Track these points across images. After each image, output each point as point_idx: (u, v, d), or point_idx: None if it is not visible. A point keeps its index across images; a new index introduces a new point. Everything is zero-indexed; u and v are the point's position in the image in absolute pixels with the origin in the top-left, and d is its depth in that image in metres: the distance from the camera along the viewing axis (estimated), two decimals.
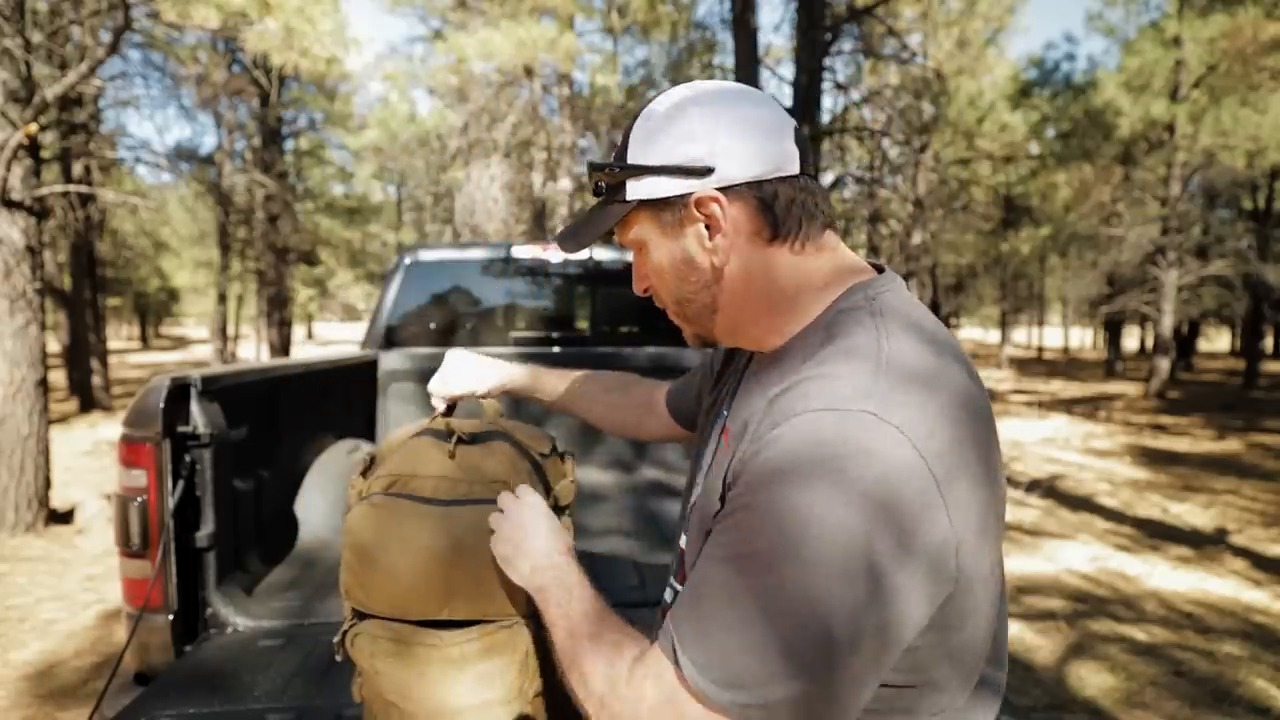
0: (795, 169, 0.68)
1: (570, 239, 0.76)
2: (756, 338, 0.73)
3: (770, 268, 0.69)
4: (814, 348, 0.64)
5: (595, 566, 1.18)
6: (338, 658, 1.03)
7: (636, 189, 0.69)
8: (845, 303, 0.67)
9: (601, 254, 3.32)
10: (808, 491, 0.53)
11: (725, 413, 0.80)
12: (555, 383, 1.21)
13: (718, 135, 0.66)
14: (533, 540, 0.84)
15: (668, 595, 0.82)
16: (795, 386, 0.60)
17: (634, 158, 0.69)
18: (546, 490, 1.09)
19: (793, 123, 0.70)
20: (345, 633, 1.00)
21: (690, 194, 0.67)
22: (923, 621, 0.57)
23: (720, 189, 0.66)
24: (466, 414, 1.18)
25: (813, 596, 0.53)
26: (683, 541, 0.79)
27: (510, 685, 0.97)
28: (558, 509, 1.11)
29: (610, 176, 0.71)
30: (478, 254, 3.39)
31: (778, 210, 0.67)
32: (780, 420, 0.58)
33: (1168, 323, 14.61)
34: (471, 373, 1.16)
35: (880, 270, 0.73)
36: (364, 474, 1.09)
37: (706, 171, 0.66)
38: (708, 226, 0.68)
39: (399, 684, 0.96)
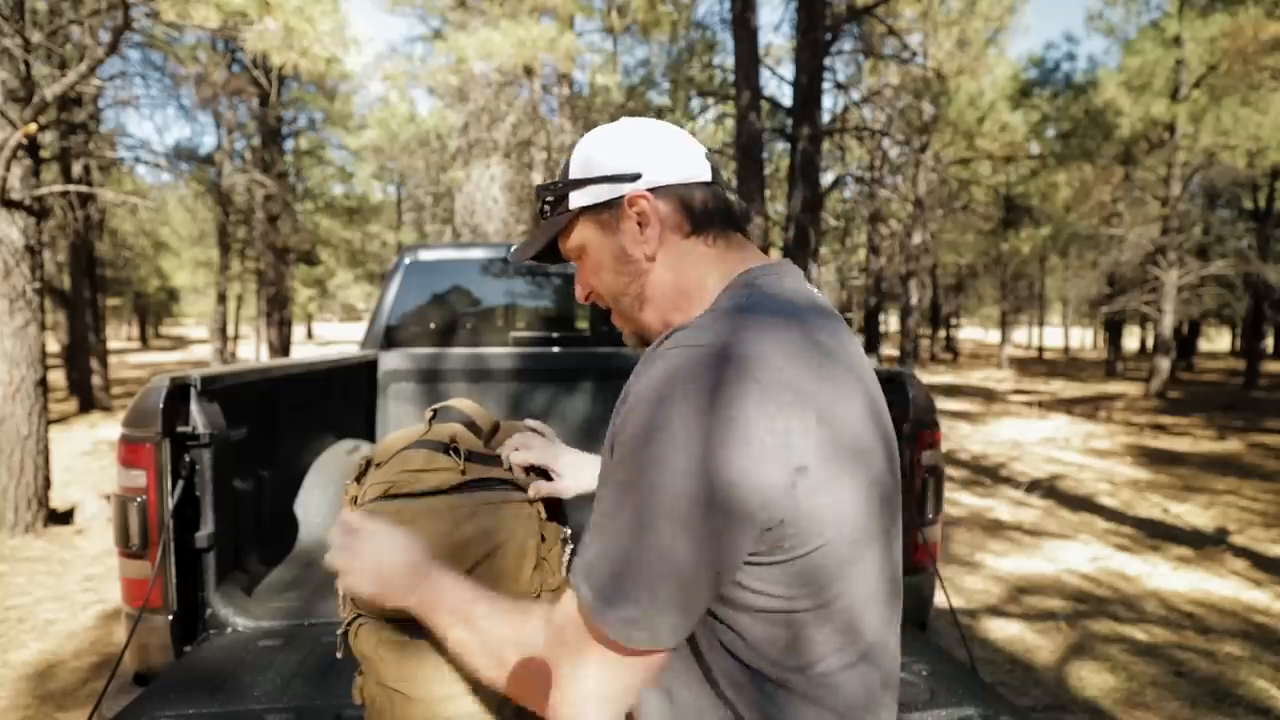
0: (709, 178, 0.81)
1: (521, 249, 0.90)
2: (675, 324, 0.79)
3: (687, 257, 0.80)
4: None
5: None
6: (339, 654, 1.03)
7: (578, 198, 0.82)
8: (732, 284, 0.78)
9: None
10: (657, 412, 0.61)
11: None
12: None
13: (643, 148, 0.80)
14: (384, 560, 0.85)
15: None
16: (662, 338, 0.70)
17: (575, 174, 0.83)
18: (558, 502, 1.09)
19: (703, 148, 0.85)
20: (349, 626, 1.00)
21: (623, 195, 0.80)
22: (753, 534, 0.62)
23: (649, 189, 0.79)
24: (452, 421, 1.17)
25: (660, 502, 0.60)
26: None
27: None
28: (555, 506, 1.11)
29: (554, 191, 0.85)
30: (478, 254, 3.38)
31: (695, 208, 0.79)
32: (642, 363, 0.68)
33: (1168, 323, 14.61)
34: (587, 472, 1.11)
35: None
36: (358, 479, 1.08)
37: (636, 176, 0.79)
38: (639, 223, 0.80)
39: (402, 672, 0.96)
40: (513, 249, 0.91)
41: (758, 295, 0.73)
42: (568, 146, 10.69)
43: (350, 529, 0.87)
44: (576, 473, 1.10)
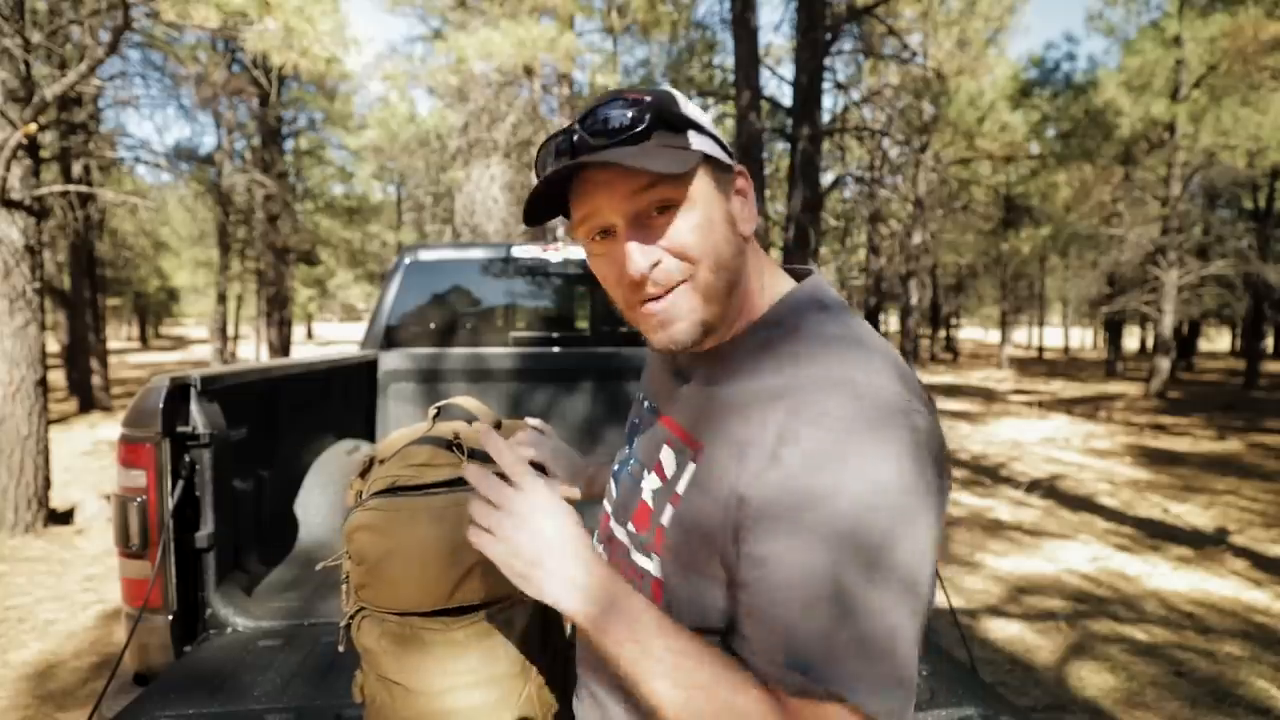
0: None
1: (635, 157, 0.65)
2: (722, 331, 0.73)
3: (748, 255, 0.74)
4: (782, 345, 0.69)
5: None
6: (340, 647, 1.03)
7: (700, 142, 0.69)
8: (792, 300, 0.73)
9: None
10: (874, 460, 0.58)
11: (646, 402, 0.86)
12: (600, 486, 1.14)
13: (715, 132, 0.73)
14: (560, 556, 0.67)
15: (621, 534, 0.78)
16: (802, 380, 0.64)
17: (693, 116, 0.71)
18: None
19: None
20: (352, 618, 1.00)
21: (736, 165, 0.73)
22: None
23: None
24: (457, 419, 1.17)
25: (915, 561, 0.59)
26: (619, 533, 0.78)
27: (513, 661, 0.99)
28: None
29: (673, 116, 0.68)
30: (478, 254, 3.38)
31: (753, 201, 0.75)
32: (804, 410, 0.61)
33: (1168, 323, 14.61)
34: (569, 464, 1.09)
35: (792, 270, 0.80)
36: (363, 475, 1.09)
37: (732, 154, 0.73)
38: (744, 199, 0.74)
39: (404, 665, 0.96)
40: (610, 148, 0.67)
41: (843, 317, 0.71)
42: None
43: (517, 491, 0.70)
44: (573, 473, 1.09)
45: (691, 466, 0.70)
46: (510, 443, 1.02)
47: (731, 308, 0.71)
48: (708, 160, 0.69)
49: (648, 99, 0.67)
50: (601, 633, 0.65)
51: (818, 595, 0.57)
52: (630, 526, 0.76)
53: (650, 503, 0.74)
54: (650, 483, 0.76)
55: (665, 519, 0.71)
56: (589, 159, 0.65)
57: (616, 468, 0.88)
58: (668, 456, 0.74)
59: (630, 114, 0.67)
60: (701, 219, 0.68)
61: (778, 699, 0.60)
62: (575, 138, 0.69)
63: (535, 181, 0.71)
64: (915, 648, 0.59)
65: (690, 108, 0.71)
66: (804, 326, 0.70)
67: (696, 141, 0.69)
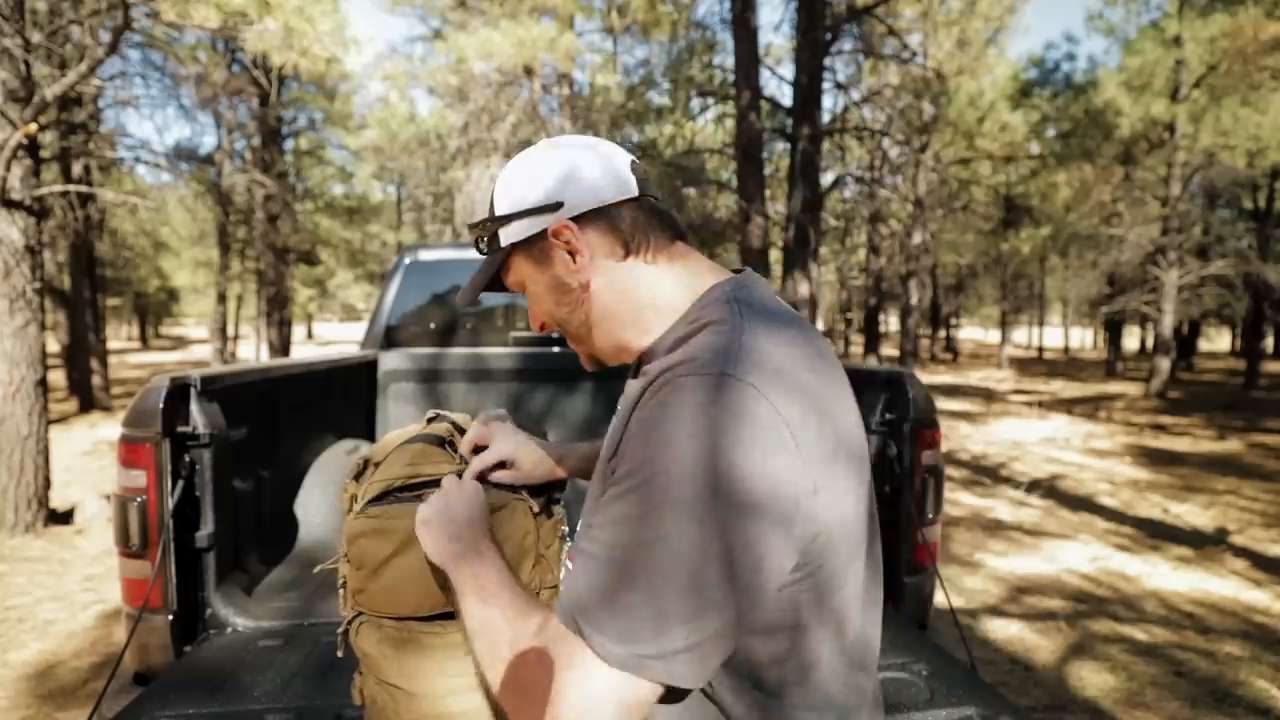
0: (635, 192, 0.79)
1: (466, 292, 0.88)
2: (630, 343, 0.80)
3: (629, 280, 0.78)
4: (680, 338, 0.72)
5: None
6: (339, 652, 1.03)
7: (507, 235, 0.81)
8: (706, 299, 0.76)
9: None
10: (674, 449, 0.59)
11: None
12: (576, 460, 1.16)
13: (559, 175, 0.78)
14: (458, 510, 0.86)
15: (569, 564, 0.86)
16: (663, 366, 0.67)
17: (499, 210, 0.82)
18: (544, 488, 1.09)
19: (630, 157, 0.82)
20: (350, 624, 1.00)
21: (547, 228, 0.78)
22: (791, 557, 0.62)
23: (572, 218, 0.77)
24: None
25: (687, 545, 0.58)
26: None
27: None
28: (550, 505, 1.11)
29: (485, 230, 0.83)
30: (478, 254, 3.38)
31: (624, 228, 0.77)
32: (650, 396, 0.65)
33: (1168, 323, 14.61)
34: (533, 452, 1.10)
35: (739, 271, 0.82)
36: (357, 478, 1.08)
37: (557, 206, 0.77)
38: (570, 253, 0.78)
39: (403, 669, 0.96)
40: (458, 293, 0.91)
41: (743, 309, 0.71)
42: None
43: (457, 481, 0.92)
44: (536, 460, 1.07)
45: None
46: (466, 442, 1.09)
47: (605, 334, 0.81)
48: (518, 245, 0.81)
49: (482, 223, 0.83)
50: (458, 565, 0.80)
51: (611, 547, 0.62)
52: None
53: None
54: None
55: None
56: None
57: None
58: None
59: (475, 244, 0.86)
60: (534, 296, 0.84)
61: (548, 622, 0.68)
62: None
63: None
64: (679, 617, 0.59)
65: (502, 193, 0.81)
66: (700, 318, 0.72)
67: (506, 235, 0.81)
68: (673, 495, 0.58)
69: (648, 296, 0.78)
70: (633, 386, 0.77)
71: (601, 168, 0.78)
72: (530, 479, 1.05)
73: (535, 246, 0.80)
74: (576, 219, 0.77)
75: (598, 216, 0.77)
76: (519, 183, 0.80)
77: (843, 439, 0.66)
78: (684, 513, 0.58)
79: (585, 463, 1.09)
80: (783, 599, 0.64)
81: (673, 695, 0.63)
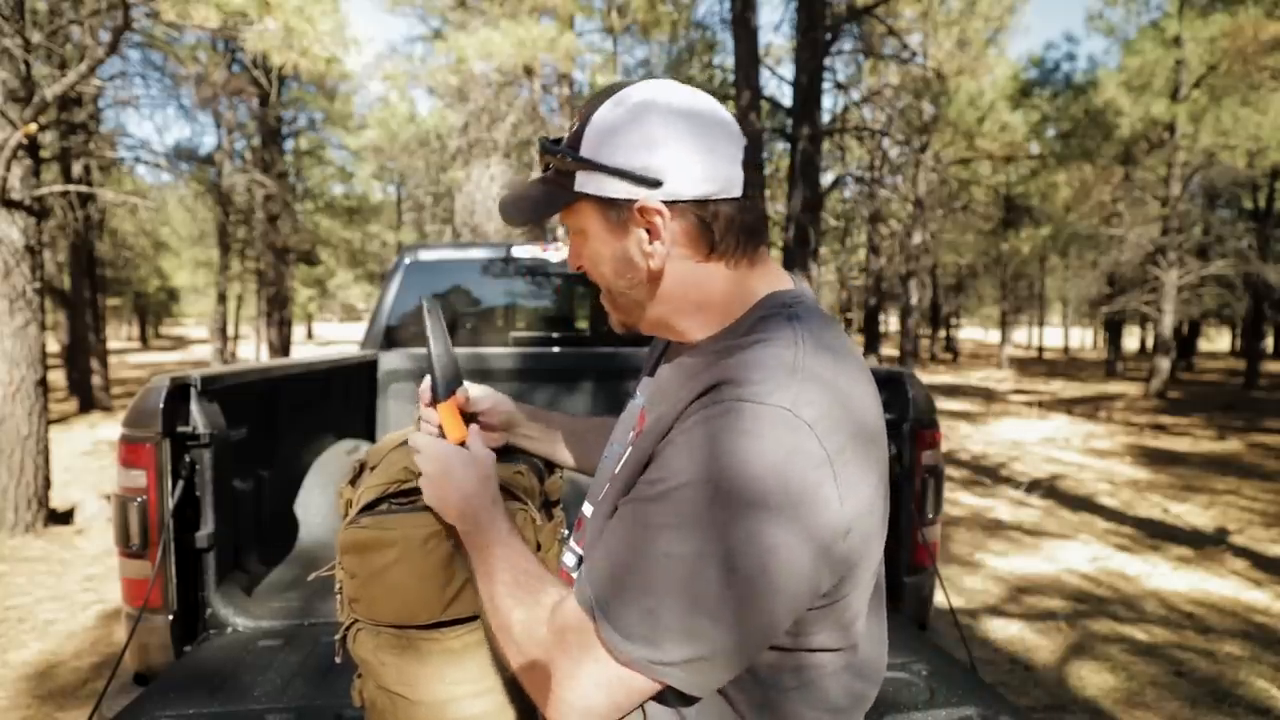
0: (739, 192, 0.71)
1: (512, 209, 0.78)
2: (682, 331, 0.78)
3: (703, 279, 0.74)
4: (736, 347, 0.69)
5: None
6: (337, 659, 1.03)
7: (585, 182, 0.71)
8: (767, 308, 0.73)
9: None
10: (723, 474, 0.59)
11: (639, 396, 0.88)
12: (540, 427, 1.16)
13: (673, 149, 0.68)
14: (462, 470, 0.82)
15: (569, 559, 0.86)
16: (718, 379, 0.65)
17: (589, 150, 0.70)
18: (540, 485, 1.09)
19: (744, 142, 0.73)
20: (347, 630, 1.00)
21: (636, 201, 0.69)
22: (818, 588, 0.63)
23: (666, 202, 0.69)
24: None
25: (717, 566, 0.58)
26: (587, 509, 0.85)
27: (510, 668, 0.98)
28: (548, 504, 1.10)
29: (562, 163, 0.72)
30: (478, 254, 3.38)
31: (716, 230, 0.71)
32: (701, 408, 0.64)
33: (1168, 323, 14.61)
34: (490, 394, 1.11)
35: (791, 272, 0.81)
36: (352, 482, 1.08)
37: (656, 184, 0.68)
38: (648, 232, 0.71)
39: (403, 676, 0.96)
40: (500, 200, 0.80)
41: (802, 332, 0.68)
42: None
43: (427, 438, 0.89)
44: (507, 416, 1.10)
45: (631, 434, 0.80)
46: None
47: (657, 313, 0.77)
48: (593, 199, 0.71)
49: (563, 151, 0.72)
50: (478, 527, 0.79)
51: (638, 544, 0.62)
52: (592, 505, 0.84)
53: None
54: (617, 460, 0.82)
55: (608, 478, 0.80)
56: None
57: (605, 455, 0.91)
58: (631, 436, 0.82)
59: (541, 160, 0.76)
60: (590, 250, 0.76)
61: (564, 603, 0.68)
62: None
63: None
64: (688, 628, 0.60)
65: (598, 135, 0.70)
66: (759, 331, 0.70)
67: (583, 182, 0.71)
68: (711, 515, 0.59)
69: (716, 297, 0.74)
70: (672, 378, 0.77)
71: (718, 155, 0.69)
72: (488, 419, 1.07)
73: (615, 209, 0.71)
74: (670, 204, 0.69)
75: (692, 209, 0.70)
76: (621, 132, 0.69)
77: (881, 475, 0.67)
78: (717, 535, 0.58)
79: (547, 435, 1.11)
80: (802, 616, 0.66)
81: (686, 699, 0.66)
